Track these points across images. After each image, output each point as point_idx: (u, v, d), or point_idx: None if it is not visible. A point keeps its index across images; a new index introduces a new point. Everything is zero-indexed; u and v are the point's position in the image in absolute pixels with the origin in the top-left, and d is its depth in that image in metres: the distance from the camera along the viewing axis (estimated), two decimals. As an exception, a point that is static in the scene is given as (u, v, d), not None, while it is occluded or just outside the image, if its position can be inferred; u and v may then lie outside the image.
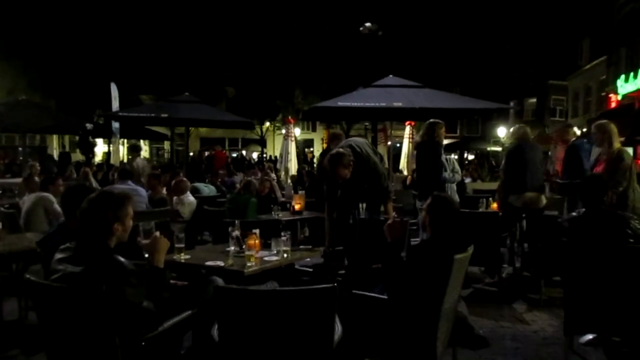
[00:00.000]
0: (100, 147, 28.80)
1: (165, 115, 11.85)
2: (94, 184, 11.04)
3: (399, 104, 8.88)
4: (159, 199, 6.90)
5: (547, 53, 32.25)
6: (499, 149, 30.21)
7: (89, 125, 16.46)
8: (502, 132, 30.17)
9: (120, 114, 14.14)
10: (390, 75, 10.63)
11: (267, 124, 33.25)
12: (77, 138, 25.65)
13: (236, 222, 4.13)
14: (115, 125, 16.41)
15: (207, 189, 8.83)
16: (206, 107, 13.37)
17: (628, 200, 4.95)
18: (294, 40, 27.40)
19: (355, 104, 8.92)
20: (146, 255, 2.69)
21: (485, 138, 35.75)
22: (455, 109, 10.73)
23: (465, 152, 33.13)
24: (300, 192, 9.47)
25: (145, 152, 36.94)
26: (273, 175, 12.37)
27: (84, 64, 22.23)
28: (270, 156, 31.53)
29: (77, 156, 27.34)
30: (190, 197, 6.87)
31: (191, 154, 20.22)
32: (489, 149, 33.93)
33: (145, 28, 24.83)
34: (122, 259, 2.43)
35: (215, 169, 14.30)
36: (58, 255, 2.48)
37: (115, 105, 16.76)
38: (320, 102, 10.30)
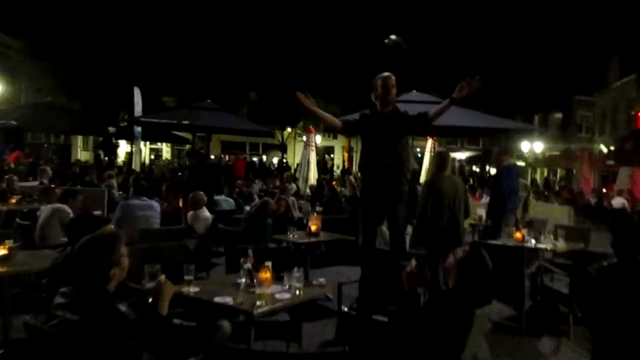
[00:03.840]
0: (123, 148, 29.05)
1: (187, 122, 11.83)
2: (115, 188, 11.08)
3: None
4: (171, 212, 6.75)
5: (573, 68, 31.66)
6: (523, 163, 29.71)
7: (111, 129, 16.57)
8: (525, 146, 29.64)
9: (143, 119, 14.18)
10: (414, 91, 10.45)
11: (289, 129, 33.21)
12: (100, 139, 25.96)
13: (249, 251, 4.00)
14: (138, 129, 16.51)
15: (226, 204, 8.74)
16: (227, 115, 13.32)
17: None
18: (319, 50, 27.34)
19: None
20: (150, 300, 2.55)
21: (509, 152, 35.17)
22: (478, 127, 10.54)
23: (487, 165, 32.61)
24: (317, 208, 9.36)
25: (167, 153, 37.27)
26: (293, 185, 12.26)
27: (108, 67, 22.44)
28: (286, 162, 31.56)
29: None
30: (206, 213, 6.73)
31: (212, 157, 20.18)
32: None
33: (169, 33, 25.03)
34: (123, 308, 2.29)
35: (234, 178, 14.26)
36: (58, 300, 2.35)
37: (138, 109, 16.86)
38: (343, 115, 10.06)
